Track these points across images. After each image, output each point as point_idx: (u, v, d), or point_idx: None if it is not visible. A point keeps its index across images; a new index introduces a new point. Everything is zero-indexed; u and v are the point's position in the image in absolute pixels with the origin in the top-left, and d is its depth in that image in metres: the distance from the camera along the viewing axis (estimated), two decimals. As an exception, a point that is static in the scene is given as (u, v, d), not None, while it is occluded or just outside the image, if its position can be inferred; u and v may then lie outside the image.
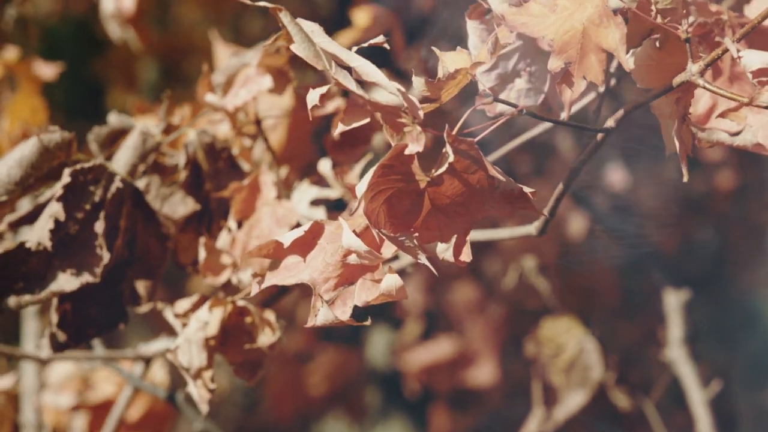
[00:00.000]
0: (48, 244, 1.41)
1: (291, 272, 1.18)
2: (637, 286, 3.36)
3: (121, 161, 1.54)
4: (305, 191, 1.63)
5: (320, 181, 1.65)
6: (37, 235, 1.42)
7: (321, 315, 1.15)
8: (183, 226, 1.59)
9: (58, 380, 2.26)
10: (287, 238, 1.17)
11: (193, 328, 1.45)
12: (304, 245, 1.17)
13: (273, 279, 1.18)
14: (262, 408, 3.89)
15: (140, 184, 1.53)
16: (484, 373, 3.36)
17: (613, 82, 1.38)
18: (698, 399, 2.21)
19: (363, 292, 1.15)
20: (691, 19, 1.30)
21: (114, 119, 1.60)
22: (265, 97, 1.74)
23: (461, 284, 3.44)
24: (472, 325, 3.39)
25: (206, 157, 1.58)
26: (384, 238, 1.10)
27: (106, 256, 1.42)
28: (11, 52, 2.14)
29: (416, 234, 1.11)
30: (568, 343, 2.28)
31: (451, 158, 1.07)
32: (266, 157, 1.65)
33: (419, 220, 1.12)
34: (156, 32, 3.85)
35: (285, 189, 1.65)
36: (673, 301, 2.32)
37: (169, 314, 1.51)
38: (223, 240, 1.55)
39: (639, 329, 3.39)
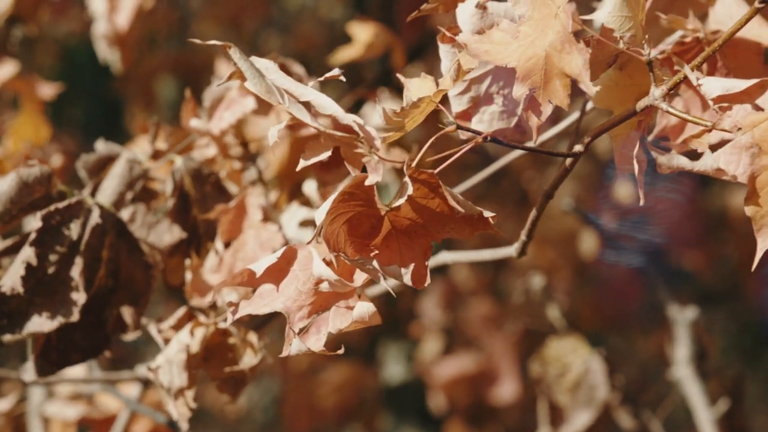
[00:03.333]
0: (20, 290, 1.41)
1: (265, 300, 1.16)
2: (656, 302, 3.33)
3: (107, 190, 1.54)
4: (294, 213, 1.63)
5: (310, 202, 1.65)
6: (11, 281, 1.42)
7: (294, 345, 1.14)
8: (172, 251, 1.59)
9: (65, 394, 2.27)
10: (260, 266, 1.16)
11: (173, 350, 1.45)
12: (278, 272, 1.16)
13: (247, 308, 1.17)
14: (280, 425, 3.90)
15: (125, 213, 1.53)
16: (503, 389, 3.34)
17: (590, 105, 1.36)
18: (705, 418, 2.18)
19: (337, 320, 1.14)
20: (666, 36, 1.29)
21: (101, 146, 1.60)
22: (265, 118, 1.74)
23: (478, 300, 3.43)
24: (490, 341, 3.37)
25: (193, 182, 1.58)
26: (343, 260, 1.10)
27: (82, 298, 1.42)
28: (8, 69, 2.15)
29: (376, 254, 1.11)
30: (573, 362, 2.26)
31: (410, 191, 1.07)
32: (254, 179, 1.65)
33: (379, 240, 1.11)
34: (175, 50, 3.88)
35: (277, 210, 1.65)
36: (680, 319, 2.28)
37: (153, 331, 1.51)
38: (210, 262, 1.55)
39: (657, 345, 3.36)
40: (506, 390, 3.33)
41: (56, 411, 2.23)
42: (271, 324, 1.79)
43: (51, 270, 1.42)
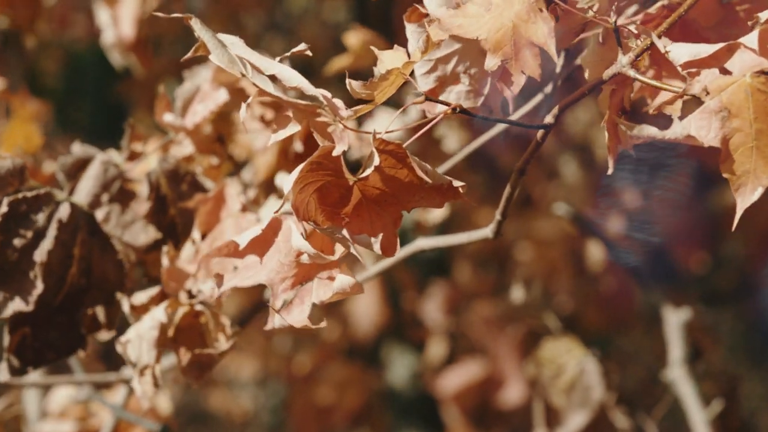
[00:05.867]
0: None
1: (248, 273, 1.18)
2: (653, 302, 3.30)
3: (83, 191, 1.54)
4: (273, 207, 1.63)
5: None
6: None
7: (278, 318, 1.15)
8: (149, 249, 1.59)
9: (59, 407, 2.27)
10: (244, 237, 1.18)
11: (146, 325, 1.44)
12: (262, 243, 1.18)
13: (232, 281, 1.19)
14: (287, 428, 3.90)
15: (100, 213, 1.53)
16: (510, 392, 3.32)
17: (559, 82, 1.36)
18: (699, 419, 2.16)
19: (320, 290, 1.15)
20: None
21: (77, 149, 1.60)
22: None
23: (481, 302, 3.41)
24: (495, 343, 3.35)
25: (169, 183, 1.58)
26: (313, 229, 1.10)
27: (39, 286, 1.42)
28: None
29: (347, 222, 1.12)
30: (568, 363, 2.25)
31: (377, 161, 1.08)
32: (227, 169, 1.65)
33: (350, 208, 1.12)
34: (179, 53, 3.88)
35: (256, 205, 1.64)
36: (674, 320, 2.26)
37: (125, 306, 1.51)
38: (187, 251, 1.55)
39: (660, 346, 3.33)
40: (513, 393, 3.31)
41: (50, 430, 2.23)
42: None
43: (13, 257, 1.42)
